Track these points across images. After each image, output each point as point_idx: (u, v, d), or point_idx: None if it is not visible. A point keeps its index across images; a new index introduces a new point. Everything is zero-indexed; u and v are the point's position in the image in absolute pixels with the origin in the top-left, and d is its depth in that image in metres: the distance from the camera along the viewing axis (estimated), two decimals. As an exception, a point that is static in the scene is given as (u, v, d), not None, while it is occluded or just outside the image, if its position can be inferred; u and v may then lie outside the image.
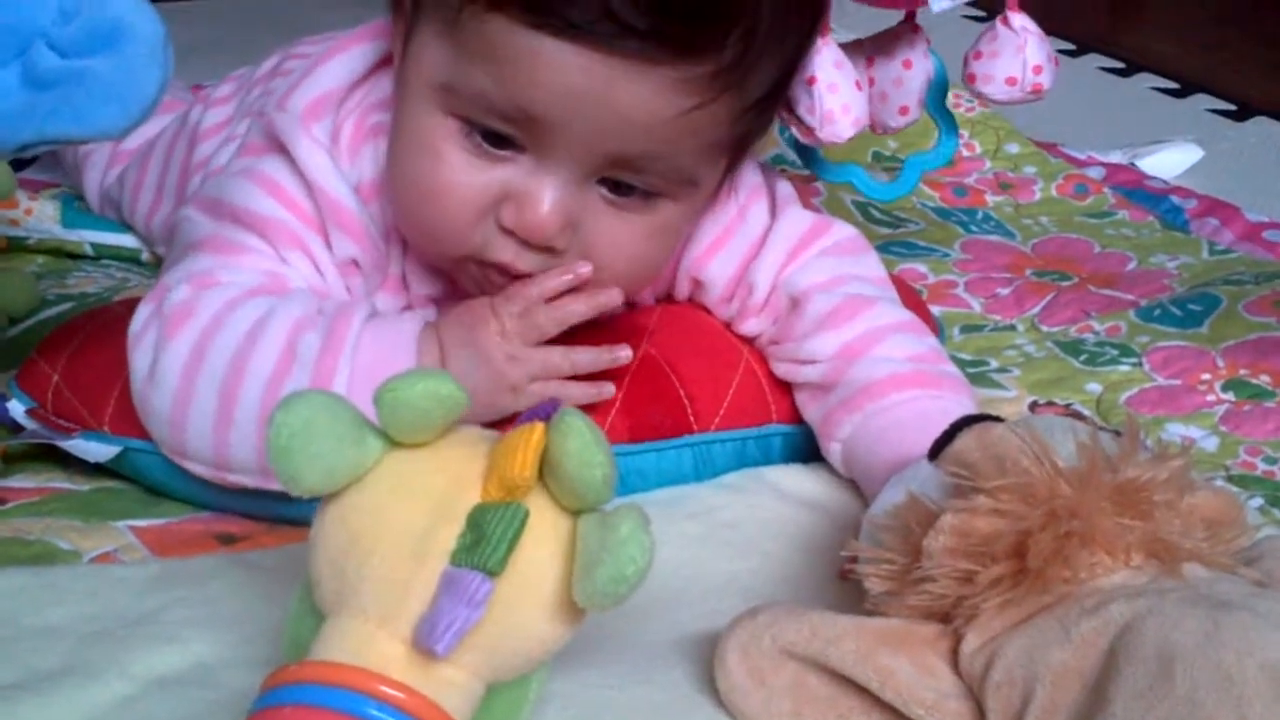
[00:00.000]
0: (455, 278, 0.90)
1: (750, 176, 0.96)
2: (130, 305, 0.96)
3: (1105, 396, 1.05)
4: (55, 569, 0.81)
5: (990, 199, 1.42)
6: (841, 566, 0.80)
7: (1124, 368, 1.08)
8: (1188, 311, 1.15)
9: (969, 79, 0.98)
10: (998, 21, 0.97)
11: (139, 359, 0.85)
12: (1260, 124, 1.73)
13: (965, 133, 1.48)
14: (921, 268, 1.25)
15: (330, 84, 0.91)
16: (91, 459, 0.89)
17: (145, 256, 1.23)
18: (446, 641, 0.59)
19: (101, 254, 1.23)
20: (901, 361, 0.91)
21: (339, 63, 0.92)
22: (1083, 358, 1.10)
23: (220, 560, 0.83)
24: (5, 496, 0.88)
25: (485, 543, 0.60)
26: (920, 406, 0.88)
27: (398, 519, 0.61)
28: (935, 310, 1.18)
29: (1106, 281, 1.24)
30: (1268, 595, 0.66)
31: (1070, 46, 2.00)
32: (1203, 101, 1.82)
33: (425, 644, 0.59)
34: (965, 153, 1.47)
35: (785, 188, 0.98)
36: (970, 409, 0.87)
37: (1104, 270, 1.27)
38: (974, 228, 1.35)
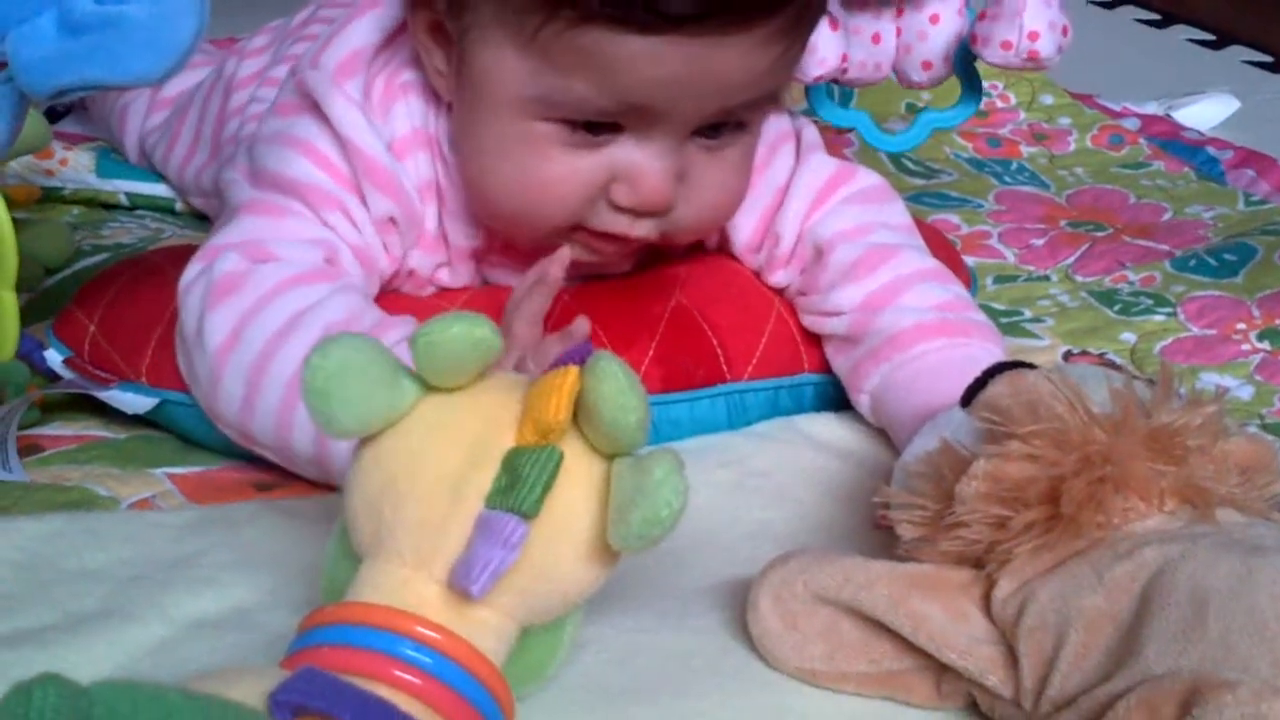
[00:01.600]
0: (552, 246, 0.89)
1: (777, 123, 0.96)
2: (168, 255, 0.97)
3: (1140, 346, 1.05)
4: (93, 514, 0.82)
5: (1025, 150, 1.42)
6: (876, 514, 0.80)
7: (1159, 317, 1.08)
8: (1223, 261, 1.15)
9: (972, 40, 0.98)
10: None
11: (186, 314, 0.85)
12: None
13: (1000, 84, 1.48)
14: (955, 218, 1.25)
15: (361, 41, 0.91)
16: (129, 410, 0.89)
17: (179, 207, 1.24)
18: (482, 583, 0.59)
19: (136, 204, 1.24)
20: (927, 310, 0.91)
21: (369, 20, 0.92)
22: (1117, 307, 1.10)
23: (257, 506, 0.83)
24: (43, 444, 0.89)
25: (520, 485, 0.60)
26: (947, 355, 0.88)
27: (433, 462, 0.61)
28: (969, 261, 1.18)
29: (1141, 232, 1.24)
30: (1299, 539, 0.66)
31: (1107, -1, 2.00)
32: (1240, 53, 1.81)
33: (461, 585, 0.59)
34: (1000, 104, 1.47)
35: (811, 134, 0.99)
36: (998, 356, 0.87)
37: (1139, 221, 1.27)
38: (1008, 179, 1.35)
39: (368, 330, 0.83)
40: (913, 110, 1.45)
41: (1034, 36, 0.96)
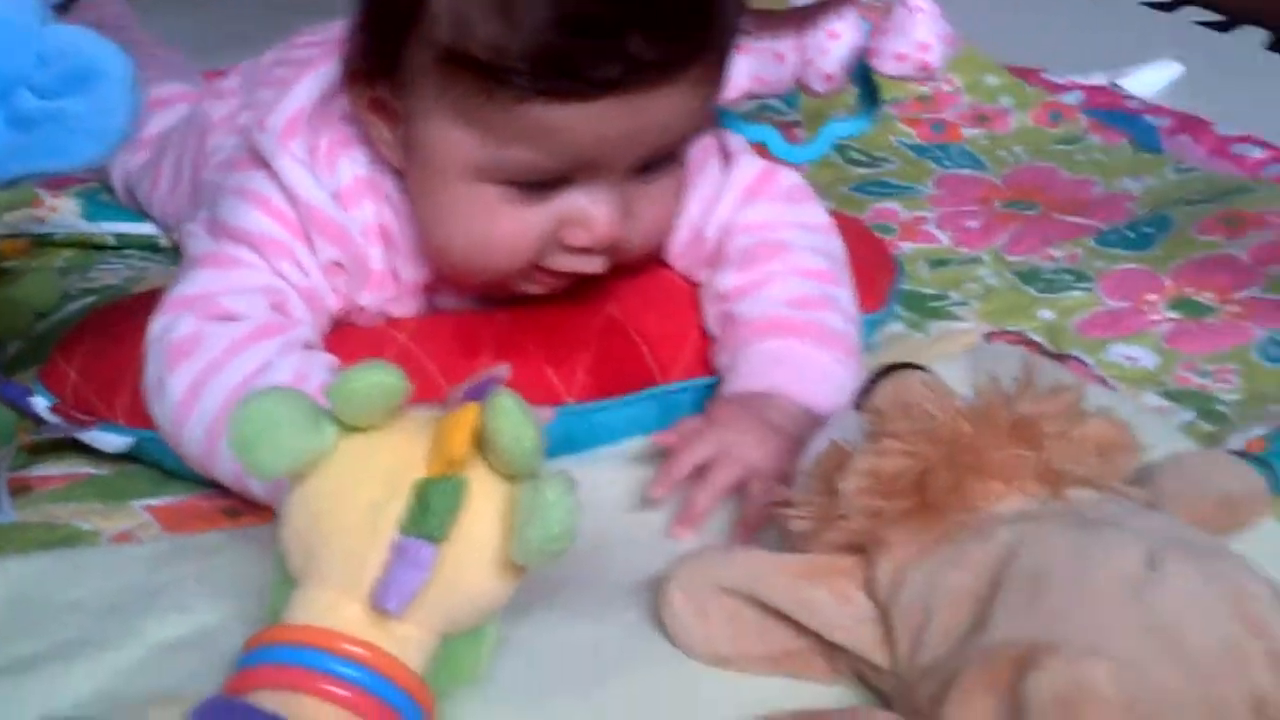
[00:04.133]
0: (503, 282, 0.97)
1: (700, 138, 1.03)
2: (141, 301, 1.04)
3: (1057, 322, 1.11)
4: (78, 550, 0.90)
5: (966, 132, 1.48)
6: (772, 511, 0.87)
7: (1077, 293, 1.15)
8: (1140, 234, 1.21)
9: (868, 54, 1.04)
10: (896, 1, 1.03)
11: (150, 367, 0.92)
12: (1244, 33, 1.77)
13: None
14: (894, 205, 1.32)
15: (303, 102, 0.98)
16: (108, 449, 0.97)
17: (163, 242, 1.30)
18: (398, 602, 0.67)
19: (123, 244, 1.31)
20: (777, 304, 0.98)
21: (311, 81, 0.99)
22: (1039, 285, 1.17)
23: (225, 535, 0.91)
24: (32, 484, 0.97)
25: (429, 513, 0.67)
26: (772, 348, 0.96)
27: (353, 497, 0.69)
28: (907, 246, 1.25)
29: (1071, 208, 1.30)
30: (1141, 513, 0.73)
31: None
32: (1192, 14, 1.85)
33: (380, 605, 0.67)
34: (945, 88, 1.53)
35: (734, 140, 1.05)
36: (820, 358, 0.95)
37: (1069, 196, 1.33)
38: (948, 163, 1.41)
39: (315, 389, 0.89)
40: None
41: (925, 48, 1.03)
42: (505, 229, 0.93)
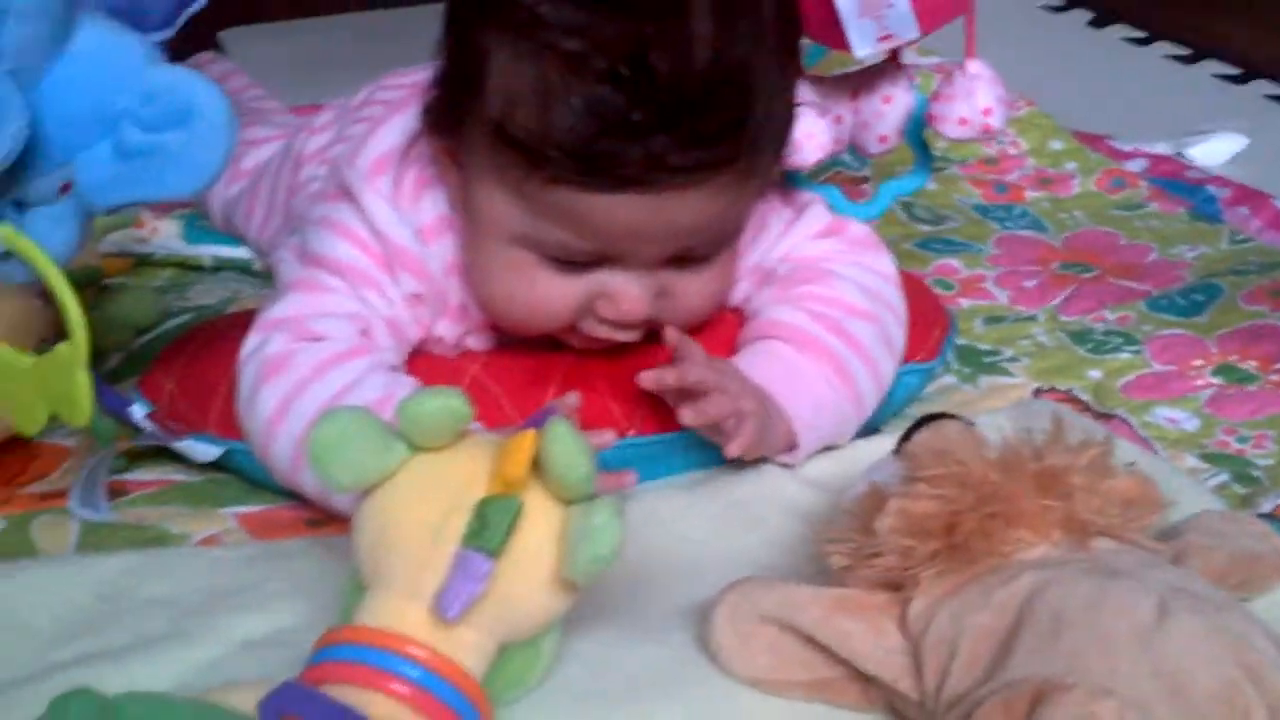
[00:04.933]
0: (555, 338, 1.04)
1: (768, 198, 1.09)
2: (235, 321, 1.10)
3: (1104, 382, 1.15)
4: (166, 550, 0.96)
5: (1029, 195, 1.52)
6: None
7: (1125, 355, 1.19)
8: (1191, 301, 1.25)
9: (928, 119, 1.09)
10: (955, 68, 1.08)
11: (242, 383, 0.98)
12: (1311, 109, 1.80)
13: (1011, 131, 1.58)
14: (955, 263, 1.36)
15: (390, 143, 1.04)
16: (199, 459, 1.03)
17: (257, 266, 1.37)
18: (456, 610, 0.72)
19: (219, 266, 1.38)
20: (795, 314, 1.03)
21: (397, 124, 1.05)
22: (1089, 346, 1.21)
23: (306, 542, 0.97)
24: (129, 488, 1.03)
25: (487, 529, 0.73)
26: (772, 347, 1.01)
27: (419, 511, 0.75)
28: (965, 303, 1.29)
29: (1126, 272, 1.34)
30: (1159, 565, 0.78)
31: (1140, 35, 2.08)
32: (1263, 87, 1.88)
33: (441, 612, 0.72)
34: (1011, 150, 1.57)
35: (804, 194, 1.11)
36: (813, 374, 1.00)
37: (1125, 261, 1.37)
38: (1009, 223, 1.45)
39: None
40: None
41: (988, 112, 1.07)
42: (542, 294, 0.99)
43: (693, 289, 1.01)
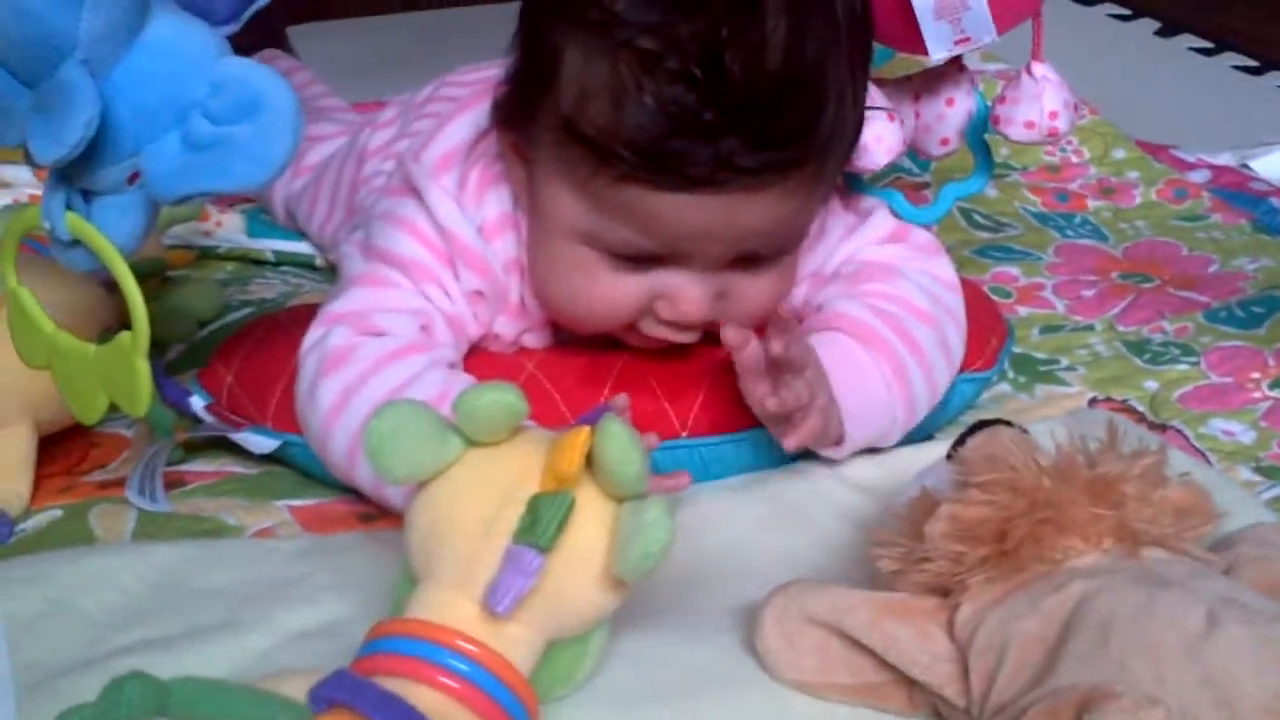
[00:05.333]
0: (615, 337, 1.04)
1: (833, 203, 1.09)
2: (296, 314, 1.11)
3: (1160, 393, 1.15)
4: (221, 541, 0.97)
5: (1091, 204, 1.51)
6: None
7: (1182, 366, 1.18)
8: (1250, 313, 1.24)
9: (994, 121, 1.09)
10: (1022, 71, 1.08)
11: (303, 375, 0.99)
12: (1380, 121, 1.79)
13: (1074, 139, 1.58)
14: (1014, 270, 1.36)
15: (457, 140, 1.05)
16: (256, 450, 1.04)
17: (319, 262, 1.38)
18: (506, 604, 0.73)
19: (281, 260, 1.39)
20: (860, 308, 1.02)
21: (467, 119, 1.06)
22: (1146, 356, 1.20)
23: (359, 536, 0.97)
24: (186, 479, 1.04)
25: (539, 524, 0.73)
26: (834, 338, 1.01)
27: (471, 505, 0.75)
28: (1023, 311, 1.29)
29: (1186, 283, 1.34)
30: (1209, 575, 0.77)
31: (1206, 45, 2.07)
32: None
33: (490, 606, 0.73)
34: (1074, 159, 1.57)
35: (868, 201, 1.11)
36: (879, 372, 1.00)
37: (1186, 272, 1.36)
38: (1070, 232, 1.45)
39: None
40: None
41: (1054, 115, 1.07)
42: (602, 291, 0.99)
43: (752, 291, 1.01)
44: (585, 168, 0.94)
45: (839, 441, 1.00)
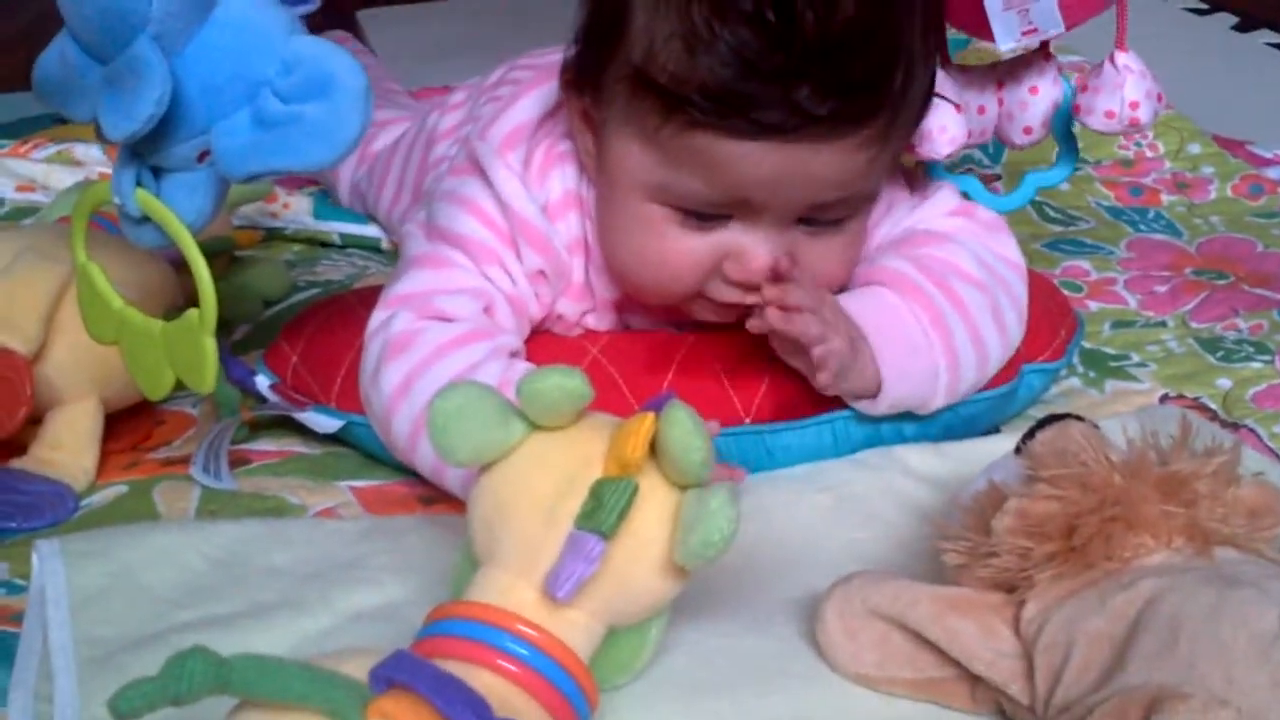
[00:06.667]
0: (682, 309, 1.03)
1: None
2: (361, 296, 1.11)
3: (1233, 392, 1.13)
4: (284, 520, 0.97)
5: (1165, 198, 1.49)
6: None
7: (1256, 365, 1.17)
8: (1326, 312, 1.23)
9: (1075, 110, 1.08)
10: (1105, 60, 1.06)
11: (367, 358, 0.99)
12: None
13: (1150, 133, 1.56)
14: (1085, 264, 1.35)
15: (523, 118, 1.05)
16: (320, 430, 1.04)
17: (385, 245, 1.39)
18: (567, 590, 0.72)
19: (347, 243, 1.40)
20: (903, 262, 1.02)
21: (534, 96, 1.06)
22: (1219, 354, 1.19)
23: (419, 519, 0.97)
24: (251, 457, 1.05)
25: (601, 510, 0.73)
26: (876, 291, 1.01)
27: (534, 489, 0.75)
28: (1093, 305, 1.27)
29: (1261, 281, 1.32)
30: (1282, 576, 0.76)
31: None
32: None
33: (551, 591, 0.72)
34: (1148, 153, 1.55)
35: (936, 182, 1.10)
36: (916, 320, 1.00)
37: (1261, 270, 1.34)
38: (1143, 226, 1.43)
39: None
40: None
41: (1135, 105, 1.06)
42: (670, 250, 0.98)
43: (821, 256, 1.00)
44: (655, 117, 0.94)
45: (877, 392, 0.99)
